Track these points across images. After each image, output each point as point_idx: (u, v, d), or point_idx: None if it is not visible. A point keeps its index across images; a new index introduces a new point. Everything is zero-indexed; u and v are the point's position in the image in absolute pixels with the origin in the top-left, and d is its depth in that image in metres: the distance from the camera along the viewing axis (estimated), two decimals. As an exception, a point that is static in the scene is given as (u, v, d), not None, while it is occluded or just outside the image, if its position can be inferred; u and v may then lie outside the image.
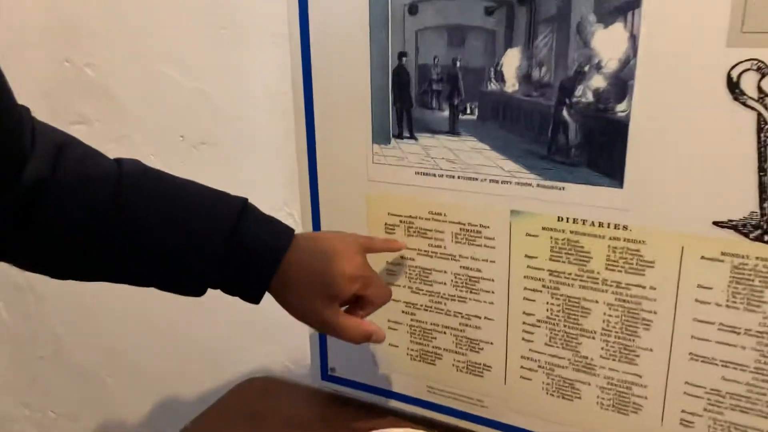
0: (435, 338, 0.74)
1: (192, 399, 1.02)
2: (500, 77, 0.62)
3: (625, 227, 0.61)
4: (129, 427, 1.12)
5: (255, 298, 0.57)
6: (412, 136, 0.68)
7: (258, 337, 0.92)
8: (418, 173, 0.69)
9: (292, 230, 0.59)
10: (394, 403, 0.79)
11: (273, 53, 0.76)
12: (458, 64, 0.63)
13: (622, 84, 0.57)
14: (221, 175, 0.86)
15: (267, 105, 0.79)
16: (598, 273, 0.63)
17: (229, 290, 0.57)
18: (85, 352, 1.11)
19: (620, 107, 0.58)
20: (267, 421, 0.82)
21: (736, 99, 0.53)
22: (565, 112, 0.60)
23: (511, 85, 0.62)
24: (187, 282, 0.55)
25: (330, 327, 0.59)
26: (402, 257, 0.73)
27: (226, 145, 0.84)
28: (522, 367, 0.70)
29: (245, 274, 0.56)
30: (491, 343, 0.71)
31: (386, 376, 0.79)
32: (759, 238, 0.55)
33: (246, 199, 0.57)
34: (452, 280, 0.71)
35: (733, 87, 0.53)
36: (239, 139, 0.83)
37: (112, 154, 0.90)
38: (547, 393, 0.69)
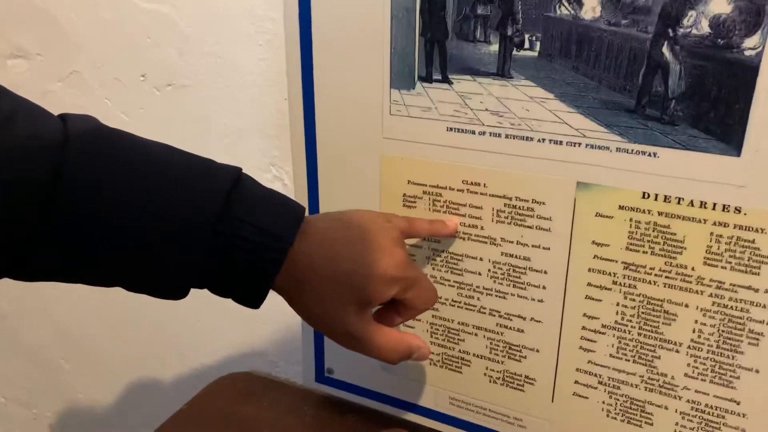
0: (463, 340, 0.59)
1: (162, 392, 0.87)
2: (576, -3, 0.45)
3: (737, 210, 0.44)
4: (92, 418, 0.97)
5: (253, 302, 0.42)
6: (445, 79, 0.51)
7: (240, 325, 0.76)
8: (451, 129, 0.52)
9: (302, 209, 0.43)
10: (408, 416, 0.64)
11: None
12: (517, -23, 0.46)
13: (755, 9, 0.40)
14: (191, 125, 0.69)
15: (250, 34, 0.61)
16: (693, 269, 0.47)
17: (220, 291, 0.42)
18: (35, 333, 0.94)
19: (749, 43, 0.41)
20: (246, 426, 0.68)
21: None
22: (666, 49, 0.43)
23: (591, 8, 0.45)
24: (162, 282, 0.40)
25: (358, 341, 0.45)
26: (423, 238, 0.57)
27: (198, 86, 0.67)
28: (577, 382, 0.55)
29: (239, 272, 0.40)
30: (537, 351, 0.55)
31: (398, 383, 0.64)
32: None
33: (239, 170, 0.42)
34: (490, 270, 0.55)
35: None
36: (214, 80, 0.65)
37: (57, 96, 0.72)
38: (608, 416, 0.54)
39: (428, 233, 0.54)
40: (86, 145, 0.37)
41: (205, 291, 0.42)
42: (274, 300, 0.43)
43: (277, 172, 0.65)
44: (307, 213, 0.44)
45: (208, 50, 0.64)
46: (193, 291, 0.41)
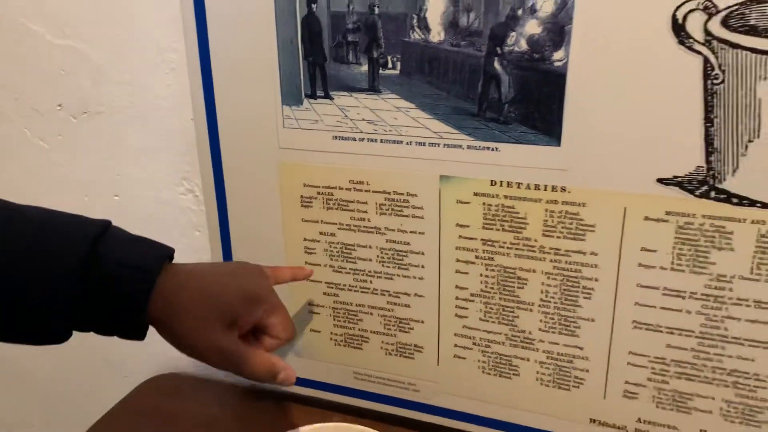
0: (361, 320, 0.68)
1: (91, 404, 0.91)
2: (424, 25, 0.55)
3: (563, 189, 0.56)
4: (20, 438, 1.00)
5: (136, 334, 0.46)
6: (327, 96, 0.60)
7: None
8: (336, 137, 0.61)
9: (170, 249, 0.49)
10: (319, 394, 0.72)
11: (161, 2, 0.66)
12: (376, 10, 0.56)
13: (558, 29, 0.51)
14: (108, 148, 0.75)
15: (157, 63, 0.69)
16: (535, 240, 0.58)
17: (101, 329, 0.46)
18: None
19: (557, 56, 0.52)
20: (176, 421, 0.74)
21: (681, 43, 0.48)
22: (496, 64, 0.54)
23: (437, 33, 0.55)
24: (41, 326, 0.44)
25: (230, 356, 0.48)
26: (321, 233, 0.65)
27: (112, 113, 0.73)
28: (456, 345, 0.64)
29: (113, 306, 0.45)
30: (422, 322, 0.65)
31: (309, 365, 0.72)
32: (705, 195, 0.51)
33: (108, 222, 0.47)
34: (378, 256, 0.64)
35: (679, 29, 0.48)
36: (127, 105, 0.72)
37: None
38: (483, 372, 0.64)
39: (289, 276, 0.60)
40: None
41: None
42: None
43: (189, 186, 0.73)
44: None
45: (119, 79, 0.71)
46: None
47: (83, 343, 0.87)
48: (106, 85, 0.72)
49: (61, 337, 0.45)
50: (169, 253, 0.48)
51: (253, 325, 0.51)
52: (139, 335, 0.47)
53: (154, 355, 0.84)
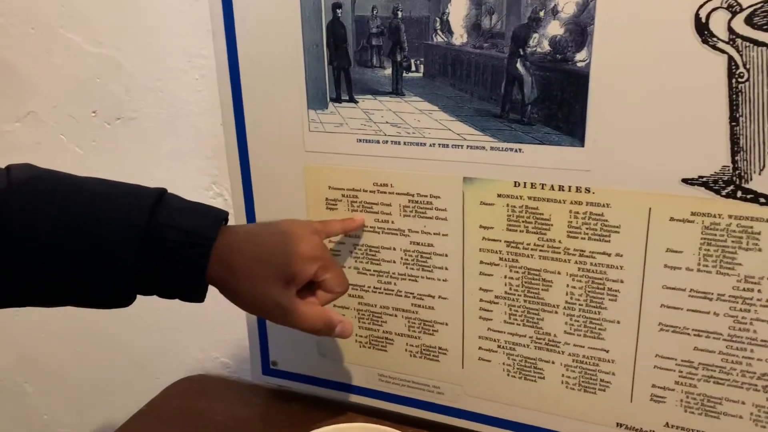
0: (385, 322, 0.68)
1: (121, 404, 0.93)
2: (447, 28, 0.56)
3: (587, 190, 0.55)
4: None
5: (196, 296, 0.49)
6: (351, 99, 0.61)
7: (190, 332, 0.84)
8: (361, 140, 0.62)
9: (224, 213, 0.51)
10: (344, 395, 0.73)
11: (189, 10, 0.67)
12: (399, 14, 0.57)
13: (581, 30, 0.51)
14: (139, 153, 0.77)
15: (186, 70, 0.70)
16: (560, 242, 0.58)
17: (163, 293, 0.49)
18: (-2, 358, 1.00)
19: (579, 56, 0.52)
20: (203, 422, 0.75)
21: (705, 42, 0.48)
22: (519, 65, 0.54)
23: (460, 36, 0.56)
24: (106, 292, 0.47)
25: (287, 312, 0.51)
26: (345, 235, 0.66)
27: (144, 119, 0.75)
28: (480, 348, 0.64)
29: (174, 271, 0.47)
30: (446, 324, 0.65)
31: (333, 367, 0.72)
32: (731, 195, 0.51)
33: (164, 189, 0.49)
34: (402, 258, 0.65)
35: (702, 28, 0.48)
36: (158, 111, 0.74)
37: (15, 136, 0.80)
38: (508, 375, 0.64)
39: (340, 229, 0.63)
40: (27, 185, 0.45)
41: (156, 309, 0.49)
42: (219, 308, 0.50)
43: (218, 189, 0.74)
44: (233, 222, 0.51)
45: (151, 86, 0.73)
46: (142, 310, 0.47)
47: (116, 345, 0.90)
48: (138, 91, 0.74)
49: (125, 301, 0.47)
50: (223, 215, 0.50)
51: (308, 281, 0.53)
52: (200, 297, 0.49)
53: (183, 357, 0.85)
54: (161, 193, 0.49)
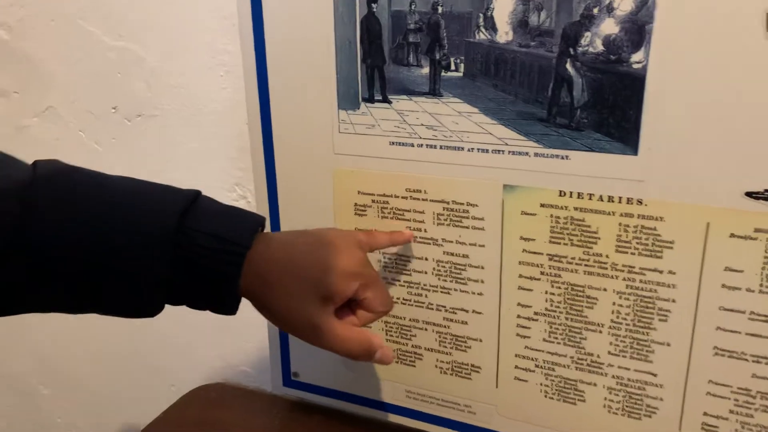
0: (415, 336, 0.64)
1: (138, 411, 0.90)
2: (491, 24, 0.52)
3: (639, 201, 0.51)
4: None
5: (229, 308, 0.45)
6: (385, 100, 0.57)
7: (210, 339, 0.81)
8: (393, 143, 0.58)
9: (261, 218, 0.46)
10: (368, 411, 0.69)
11: (214, 3, 0.64)
12: (440, 9, 0.53)
13: (638, 29, 0.47)
14: (161, 152, 0.74)
15: (211, 66, 0.67)
16: (607, 256, 0.54)
17: (194, 303, 0.45)
18: (12, 360, 0.97)
19: (635, 57, 0.48)
20: (218, 429, 0.72)
21: (778, 43, 0.44)
22: (569, 66, 0.50)
23: (504, 33, 0.52)
24: (132, 300, 0.43)
25: (323, 334, 0.46)
26: (375, 243, 0.62)
27: (166, 116, 0.72)
28: (516, 367, 0.60)
29: (204, 284, 0.43)
30: (480, 341, 0.61)
31: (357, 380, 0.69)
32: (801, 211, 0.47)
33: (198, 192, 0.45)
34: (434, 269, 0.61)
35: (776, 28, 0.44)
36: (180, 109, 0.71)
37: (34, 131, 0.77)
38: (546, 396, 0.60)
39: (387, 242, 0.58)
40: (52, 181, 0.41)
41: (176, 315, 0.45)
42: (244, 313, 0.47)
43: (241, 191, 0.71)
44: (268, 228, 0.47)
45: (173, 82, 0.70)
46: (162, 315, 0.43)
47: (134, 351, 0.87)
48: (160, 87, 0.71)
49: (152, 310, 0.44)
50: (260, 222, 0.46)
51: (347, 299, 0.49)
52: (232, 310, 0.45)
53: (201, 364, 0.82)
54: (195, 194, 0.45)
